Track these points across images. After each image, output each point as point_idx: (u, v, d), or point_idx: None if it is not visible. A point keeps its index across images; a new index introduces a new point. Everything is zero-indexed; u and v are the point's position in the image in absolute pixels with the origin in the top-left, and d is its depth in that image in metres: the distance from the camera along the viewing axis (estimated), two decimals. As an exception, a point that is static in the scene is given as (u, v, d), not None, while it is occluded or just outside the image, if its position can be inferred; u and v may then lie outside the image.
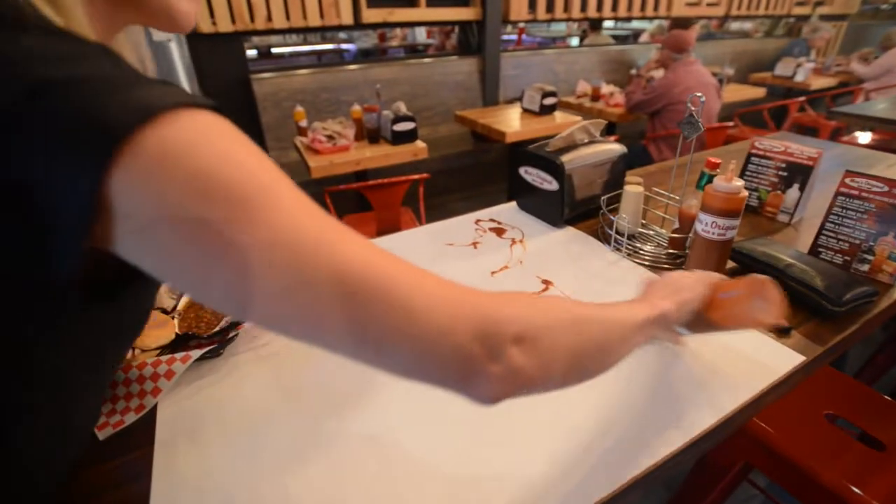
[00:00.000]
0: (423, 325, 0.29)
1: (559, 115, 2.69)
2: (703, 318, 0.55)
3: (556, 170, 0.98)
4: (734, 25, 5.63)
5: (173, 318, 0.71)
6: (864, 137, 2.86)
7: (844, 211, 0.83)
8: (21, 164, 0.22)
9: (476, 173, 3.33)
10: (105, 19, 0.33)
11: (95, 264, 0.26)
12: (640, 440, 0.55)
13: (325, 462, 0.53)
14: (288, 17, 2.57)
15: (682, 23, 2.64)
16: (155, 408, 0.59)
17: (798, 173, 1.02)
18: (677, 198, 0.97)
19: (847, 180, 0.82)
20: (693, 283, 0.55)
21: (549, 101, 2.66)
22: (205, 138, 0.25)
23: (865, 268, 0.83)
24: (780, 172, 1.04)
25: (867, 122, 2.32)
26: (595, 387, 0.62)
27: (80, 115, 0.22)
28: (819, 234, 0.86)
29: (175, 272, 0.26)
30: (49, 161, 0.22)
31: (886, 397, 1.01)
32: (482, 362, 0.30)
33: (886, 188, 0.78)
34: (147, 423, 0.57)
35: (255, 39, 4.95)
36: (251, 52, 4.93)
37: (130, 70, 0.26)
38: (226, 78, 2.64)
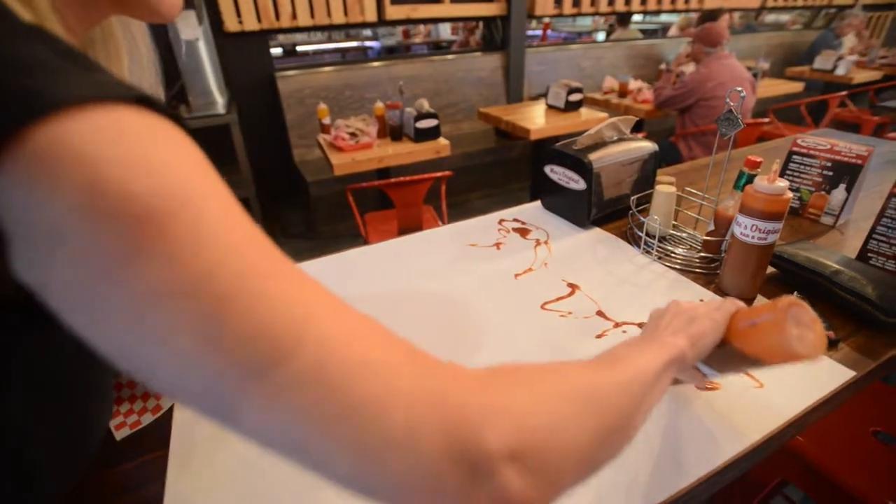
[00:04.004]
0: (370, 428, 0.21)
1: (585, 112, 2.63)
2: (727, 352, 0.46)
3: (583, 168, 0.94)
4: (769, 17, 5.41)
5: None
6: (912, 134, 2.71)
7: (899, 214, 0.77)
8: None
9: (499, 171, 3.29)
10: (78, 10, 0.30)
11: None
12: (676, 458, 0.52)
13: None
14: (312, 15, 2.58)
15: (712, 15, 2.54)
16: (171, 409, 0.59)
17: (845, 172, 0.95)
18: (712, 198, 0.92)
19: (902, 181, 0.76)
20: (708, 312, 0.46)
21: (575, 97, 2.60)
22: (113, 140, 0.20)
23: (921, 275, 0.77)
24: (825, 172, 0.98)
25: (916, 118, 2.19)
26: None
27: None
28: (869, 237, 0.81)
29: (64, 306, 0.20)
30: None
31: (939, 414, 0.94)
32: (460, 489, 0.22)
33: (947, 189, 0.72)
34: (162, 425, 0.57)
35: (281, 38, 5.01)
36: (277, 51, 4.99)
37: (63, 54, 0.21)
38: (251, 75, 2.67)
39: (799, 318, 0.42)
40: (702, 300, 0.77)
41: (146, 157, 0.20)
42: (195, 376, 0.21)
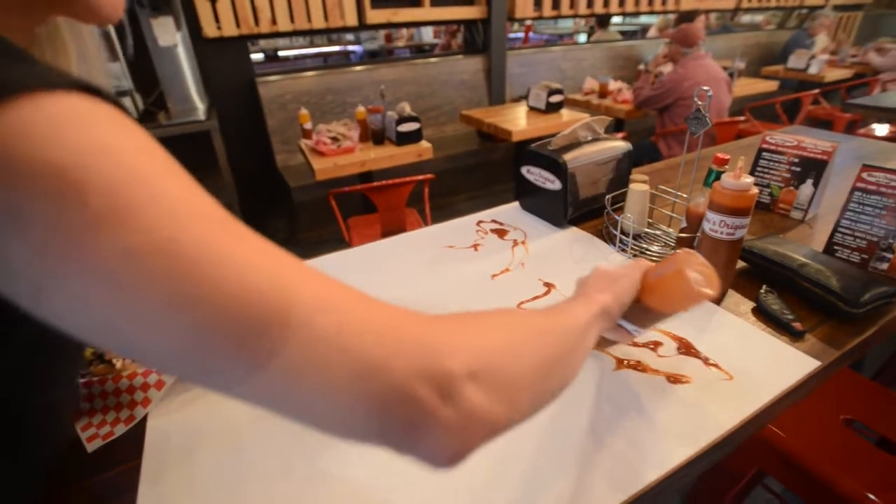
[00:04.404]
0: (346, 359, 0.23)
1: (566, 113, 2.66)
2: (642, 306, 0.53)
3: (558, 168, 0.95)
4: (744, 18, 5.53)
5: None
6: (881, 130, 2.78)
7: (861, 207, 0.79)
8: None
9: (482, 173, 3.31)
10: (15, 11, 0.29)
11: None
12: (648, 451, 0.52)
13: (313, 475, 0.51)
14: (292, 20, 2.57)
15: (688, 16, 2.59)
16: (144, 419, 0.58)
17: (812, 168, 0.98)
18: (685, 196, 0.94)
19: (864, 174, 0.79)
20: (626, 271, 0.53)
21: (556, 98, 2.62)
22: (63, 126, 0.20)
23: (884, 266, 0.79)
24: (793, 168, 1.00)
25: (884, 114, 2.26)
26: (591, 395, 0.60)
27: None
28: (834, 231, 0.83)
29: (28, 292, 0.21)
30: None
31: (908, 400, 0.97)
32: (431, 406, 0.24)
33: (906, 183, 0.75)
34: (135, 435, 0.56)
35: (263, 43, 4.98)
36: (259, 56, 4.96)
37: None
38: (232, 81, 2.65)
39: (693, 264, 0.50)
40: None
41: (98, 139, 0.21)
42: (170, 330, 0.21)
